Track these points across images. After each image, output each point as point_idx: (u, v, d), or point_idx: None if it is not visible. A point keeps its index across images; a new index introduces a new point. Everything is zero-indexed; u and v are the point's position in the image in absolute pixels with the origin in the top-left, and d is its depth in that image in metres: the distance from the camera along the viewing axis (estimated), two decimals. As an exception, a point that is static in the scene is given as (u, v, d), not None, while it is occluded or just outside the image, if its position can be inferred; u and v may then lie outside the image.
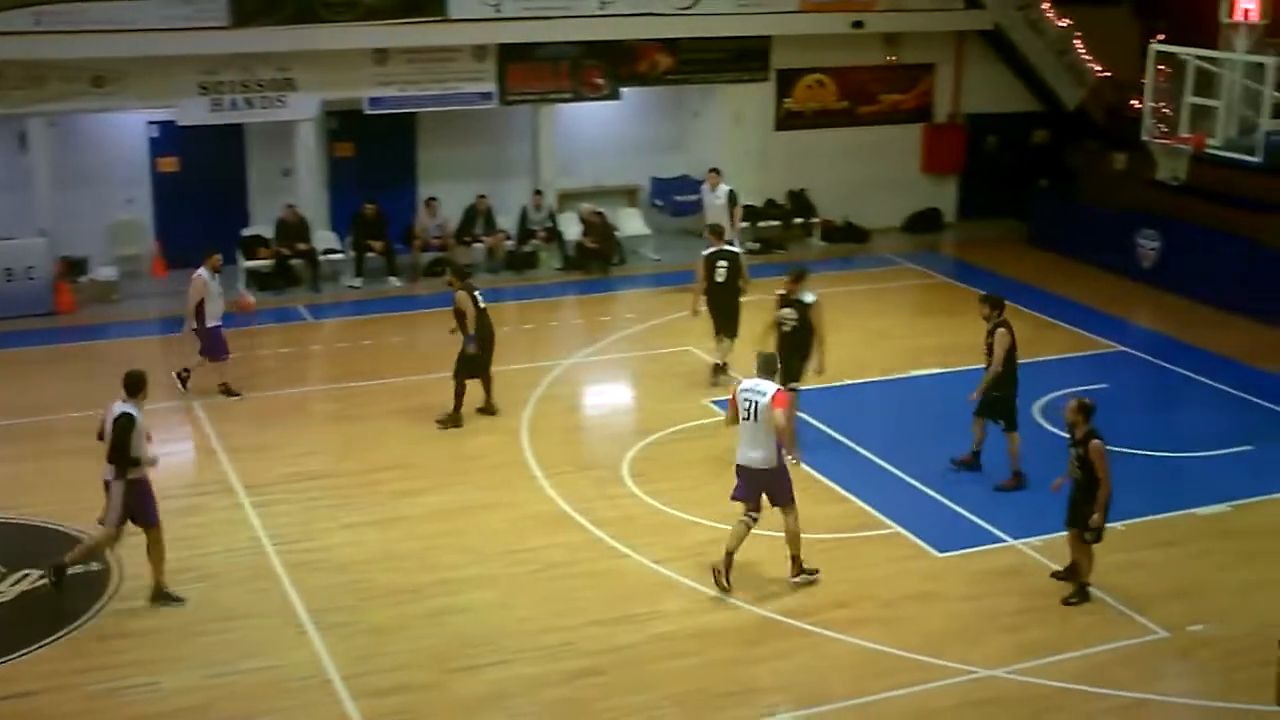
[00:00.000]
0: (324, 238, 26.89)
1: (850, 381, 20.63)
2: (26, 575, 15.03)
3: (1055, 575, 14.92)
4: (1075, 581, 14.64)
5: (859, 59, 30.04)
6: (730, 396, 14.92)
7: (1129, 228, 27.13)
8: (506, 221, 27.70)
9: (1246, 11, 20.85)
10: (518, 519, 16.61)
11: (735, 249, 21.55)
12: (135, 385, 14.47)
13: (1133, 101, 24.97)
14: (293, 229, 26.11)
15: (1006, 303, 17.63)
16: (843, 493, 17.03)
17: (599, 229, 27.52)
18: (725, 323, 20.79)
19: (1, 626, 14.17)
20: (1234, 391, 20.88)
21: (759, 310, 19.90)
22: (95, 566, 15.19)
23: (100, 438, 14.38)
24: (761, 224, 29.06)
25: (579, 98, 28.16)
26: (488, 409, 19.63)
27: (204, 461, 18.30)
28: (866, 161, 30.24)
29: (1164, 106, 21.88)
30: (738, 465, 14.81)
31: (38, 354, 22.70)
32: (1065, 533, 14.81)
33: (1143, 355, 22.58)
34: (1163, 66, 21.88)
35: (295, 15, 25.28)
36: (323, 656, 13.55)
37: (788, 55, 29.40)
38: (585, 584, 15.00)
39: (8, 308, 24.06)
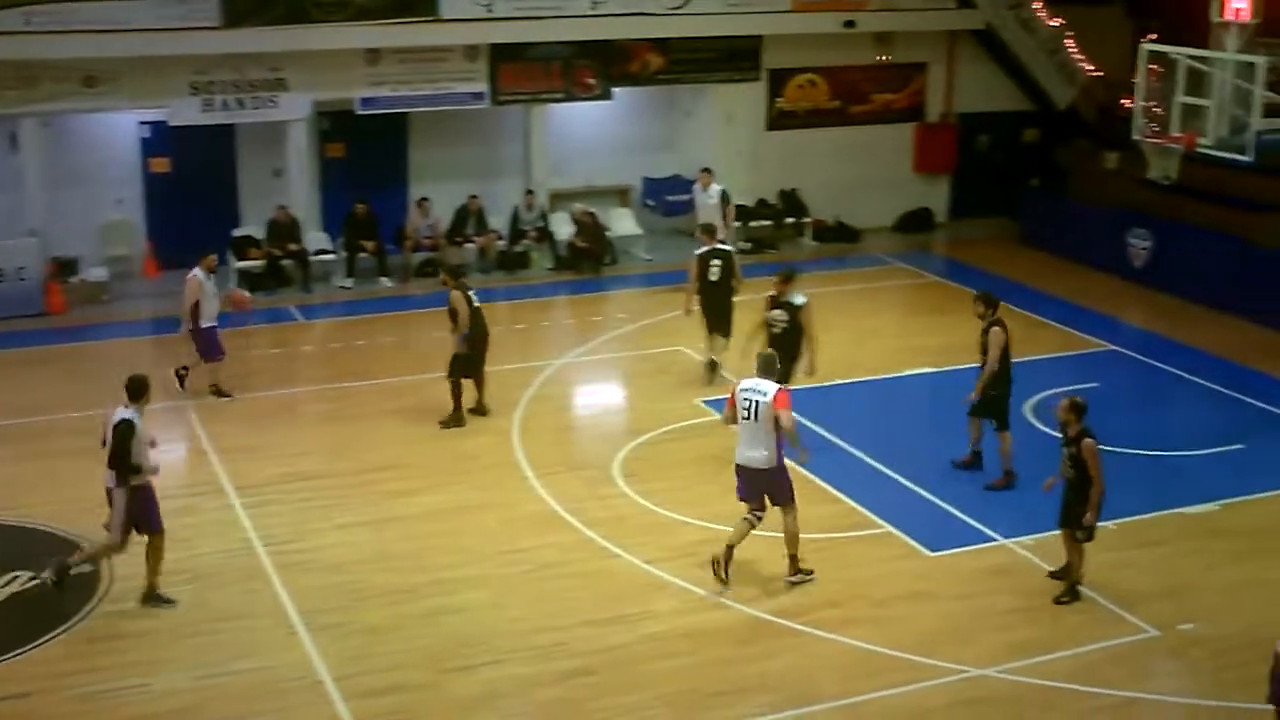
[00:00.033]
0: (315, 238, 26.87)
1: (842, 381, 20.63)
2: (16, 577, 15.01)
3: (1052, 575, 14.92)
4: (1067, 580, 14.65)
5: (850, 59, 30.05)
6: (729, 396, 14.92)
7: (1120, 227, 27.17)
8: (498, 222, 27.70)
9: (1237, 11, 20.85)
10: (510, 519, 16.61)
11: (728, 248, 21.57)
12: (137, 390, 14.38)
13: (1124, 101, 24.97)
14: (284, 229, 26.09)
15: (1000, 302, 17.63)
16: (834, 493, 17.04)
17: (591, 229, 27.52)
18: (718, 322, 20.82)
19: (-8, 628, 14.17)
20: (1225, 390, 20.92)
21: (750, 310, 19.92)
22: (86, 568, 15.18)
23: (104, 444, 14.30)
24: (753, 224, 29.07)
25: (571, 98, 28.15)
26: (479, 409, 19.62)
27: (195, 462, 18.28)
28: (858, 161, 30.25)
29: (1155, 106, 21.88)
30: (737, 465, 14.82)
31: (28, 355, 22.66)
32: (1057, 532, 14.83)
33: (1134, 354, 22.61)
34: (1154, 66, 21.87)
35: (287, 15, 25.24)
36: (314, 657, 13.55)
37: (779, 55, 29.41)
38: (577, 584, 15.01)
39: (-2, 308, 24.07)
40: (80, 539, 15.70)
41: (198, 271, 20.19)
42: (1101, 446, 14.17)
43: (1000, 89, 31.12)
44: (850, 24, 29.07)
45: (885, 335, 23.76)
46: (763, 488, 14.75)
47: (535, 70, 27.61)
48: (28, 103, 24.67)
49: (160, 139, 26.57)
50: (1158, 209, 26.41)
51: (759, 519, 14.84)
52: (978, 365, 17.34)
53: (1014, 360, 17.32)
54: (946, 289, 26.50)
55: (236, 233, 26.38)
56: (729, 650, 13.76)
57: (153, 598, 14.42)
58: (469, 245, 27.21)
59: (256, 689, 13.05)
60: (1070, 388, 18.00)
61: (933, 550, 15.78)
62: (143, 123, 26.53)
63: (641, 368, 22.02)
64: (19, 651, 13.65)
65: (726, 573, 14.76)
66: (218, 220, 26.33)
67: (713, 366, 20.87)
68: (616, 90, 28.42)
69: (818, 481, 17.28)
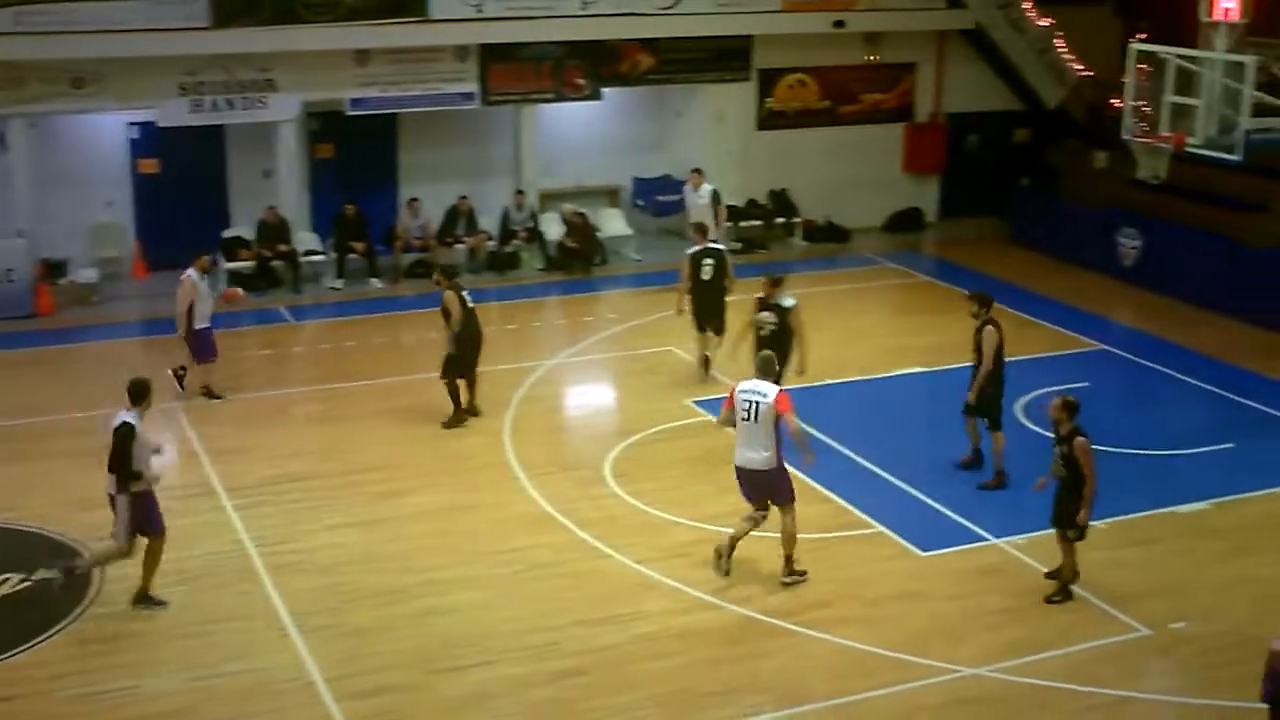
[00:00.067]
0: (305, 239, 26.83)
1: (832, 381, 20.64)
2: (7, 579, 14.98)
3: (1049, 575, 14.88)
4: (1059, 580, 14.67)
5: (840, 58, 30.07)
6: (726, 397, 14.95)
7: (1110, 226, 27.21)
8: (488, 222, 27.68)
9: (1226, 11, 20.85)
10: (501, 520, 16.60)
11: (721, 247, 21.64)
12: (139, 393, 14.28)
13: (1113, 100, 24.97)
14: (274, 230, 26.05)
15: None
16: (825, 492, 17.03)
17: (581, 229, 27.51)
18: (713, 319, 20.89)
19: (-19, 630, 14.13)
20: (1215, 389, 20.96)
21: (741, 310, 19.93)
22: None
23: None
24: (743, 224, 29.06)
25: (561, 98, 28.14)
26: (471, 410, 19.60)
27: (186, 464, 18.23)
28: (848, 161, 30.27)
29: (1144, 105, 21.88)
30: (737, 467, 14.85)
31: (17, 356, 22.59)
32: (1048, 532, 14.85)
33: (1124, 353, 22.64)
34: (1143, 65, 21.87)
35: (275, 16, 25.21)
36: (306, 659, 13.53)
37: (769, 55, 29.42)
38: (569, 584, 15.00)
39: (-13, 310, 24.03)
40: (70, 540, 15.72)
41: (191, 272, 20.13)
42: (1093, 445, 14.18)
43: (990, 89, 31.15)
44: (840, 24, 29.10)
45: (875, 335, 23.78)
46: (763, 489, 14.78)
47: (525, 70, 27.60)
48: (15, 104, 24.63)
49: (149, 140, 26.53)
50: (1147, 208, 26.46)
51: (763, 518, 14.91)
52: (970, 365, 17.35)
53: (1005, 360, 17.31)
54: (936, 289, 26.53)
55: (226, 234, 26.33)
56: (721, 650, 13.76)
57: (145, 599, 14.38)
58: (459, 246, 27.17)
59: (249, 690, 13.02)
60: (1061, 387, 18.03)
61: (924, 550, 15.79)
62: (131, 124, 26.48)
63: (632, 368, 22.02)
64: (10, 654, 13.61)
65: (729, 561, 14.87)
66: (207, 221, 26.31)
67: (706, 363, 20.90)
68: (606, 90, 28.43)
69: (809, 481, 17.25)
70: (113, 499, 14.16)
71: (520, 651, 13.65)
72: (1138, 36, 23.19)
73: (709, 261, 20.79)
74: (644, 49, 28.29)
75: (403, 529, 16.33)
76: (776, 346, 17.74)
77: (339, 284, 26.34)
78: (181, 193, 26.70)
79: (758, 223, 29.61)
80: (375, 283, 26.49)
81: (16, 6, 23.80)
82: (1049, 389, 18.83)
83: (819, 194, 30.08)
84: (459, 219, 27.30)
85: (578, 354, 22.77)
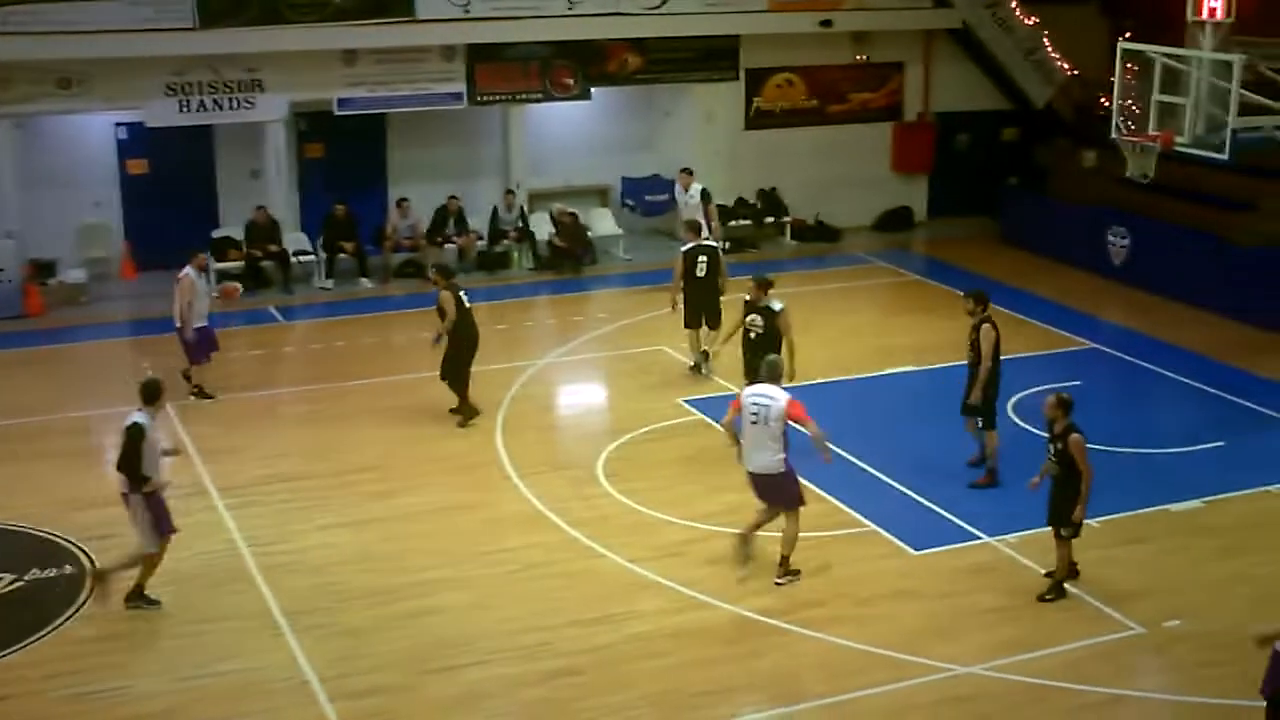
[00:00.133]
0: (294, 239, 26.82)
1: (823, 380, 20.63)
2: (-1, 579, 14.99)
3: (1048, 575, 14.88)
4: (1053, 578, 14.69)
5: (828, 58, 30.10)
6: (733, 400, 15.08)
7: (1099, 225, 27.25)
8: (478, 222, 27.66)
9: (1213, 10, 20.87)
10: (493, 520, 16.59)
11: (714, 244, 21.70)
12: (151, 394, 14.20)
13: (1101, 99, 25.03)
14: (263, 231, 26.02)
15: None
16: (818, 491, 16.99)
17: (570, 229, 27.50)
18: (709, 315, 20.99)
19: (-26, 631, 14.10)
20: (1205, 387, 20.98)
21: (733, 310, 19.93)
22: (69, 570, 15.14)
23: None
24: (733, 223, 29.06)
25: (549, 98, 28.13)
26: (462, 410, 19.58)
27: (178, 464, 18.03)
28: (837, 160, 30.29)
29: (1132, 104, 21.90)
30: (748, 472, 14.90)
31: (6, 357, 22.54)
32: (1040, 530, 14.87)
33: (1114, 352, 22.68)
34: (1130, 64, 21.90)
35: (262, 16, 25.17)
36: (299, 658, 13.50)
37: (757, 54, 29.44)
38: (561, 584, 14.99)
39: (-25, 311, 23.96)
40: (63, 539, 15.70)
41: (190, 270, 20.06)
42: (1088, 446, 14.20)
43: (978, 88, 31.21)
44: (827, 23, 29.13)
45: (865, 334, 23.80)
46: (771, 492, 14.85)
47: (513, 70, 27.59)
48: (2, 104, 24.59)
49: (137, 140, 26.49)
50: (1136, 207, 26.50)
51: (776, 514, 15.00)
52: (964, 364, 17.33)
53: (1000, 358, 17.31)
54: (926, 288, 26.57)
55: (215, 234, 26.28)
56: (714, 649, 13.75)
57: (140, 597, 14.32)
58: (449, 246, 27.16)
59: (242, 690, 13.00)
60: (1052, 386, 17.98)
61: (917, 549, 15.79)
62: (119, 124, 26.45)
63: (623, 367, 22.01)
64: (3, 654, 13.58)
65: (750, 549, 14.89)
66: (196, 222, 26.23)
67: (706, 358, 20.91)
68: (595, 90, 28.43)
69: (801, 480, 17.25)
70: (126, 498, 14.09)
71: (513, 651, 13.63)
72: (1124, 35, 23.19)
73: (703, 259, 20.87)
74: (632, 49, 28.29)
75: (395, 529, 16.31)
76: (764, 350, 17.76)
77: (329, 284, 26.32)
78: (170, 193, 26.66)
79: (747, 222, 29.62)
80: (365, 283, 26.47)
81: (2, 7, 23.71)
82: (1040, 388, 18.88)
83: (808, 193, 30.12)
84: (448, 219, 27.28)
85: (568, 354, 22.77)
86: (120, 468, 13.96)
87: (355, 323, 24.34)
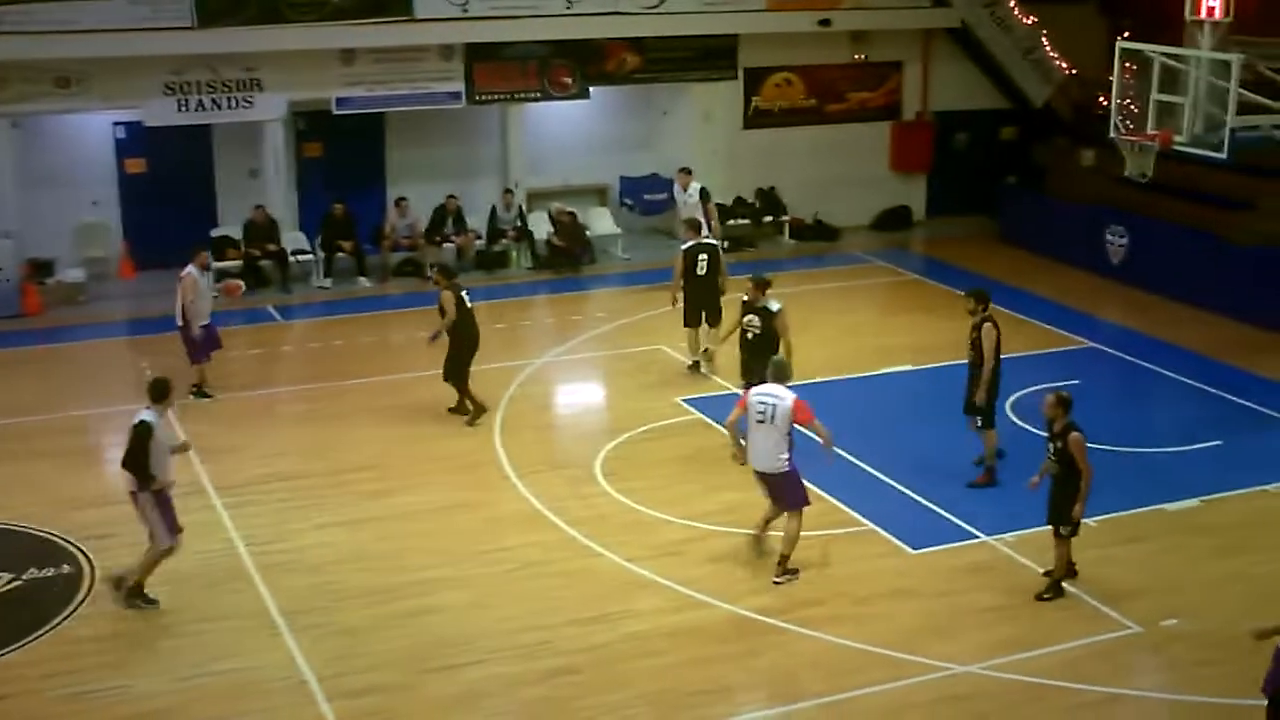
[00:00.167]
0: (293, 238, 26.81)
1: (822, 379, 20.63)
2: (-3, 579, 14.99)
3: (1048, 573, 14.89)
4: (1051, 577, 14.69)
5: (827, 57, 30.10)
6: (739, 399, 15.18)
7: (1097, 224, 27.25)
8: (476, 221, 27.65)
9: (1211, 9, 20.88)
10: (491, 519, 16.59)
11: (714, 243, 21.72)
12: (160, 392, 14.20)
13: (1099, 98, 25.05)
14: (261, 230, 26.02)
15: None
16: (816, 491, 16.97)
17: (569, 228, 27.50)
18: (710, 313, 21.02)
19: (-29, 631, 14.09)
20: (1203, 386, 20.98)
21: (729, 309, 19.95)
22: (66, 569, 15.14)
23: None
24: (731, 222, 29.05)
25: (547, 97, 28.13)
26: (459, 409, 19.59)
27: (176, 463, 18.15)
28: (835, 159, 30.30)
29: (1131, 103, 21.91)
30: (755, 471, 15.01)
31: (4, 356, 22.53)
32: (1038, 529, 14.88)
33: (1112, 351, 22.68)
34: (1129, 63, 21.90)
35: (261, 15, 25.17)
36: (296, 658, 13.50)
37: (755, 54, 29.44)
38: (560, 583, 14.99)
39: (-26, 310, 23.95)
40: (59, 539, 15.71)
41: (192, 269, 20.05)
42: (1087, 445, 14.21)
43: (976, 87, 31.20)
44: (826, 23, 29.13)
45: (864, 333, 23.80)
46: (776, 491, 14.95)
47: (511, 69, 27.59)
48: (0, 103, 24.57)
49: (135, 139, 26.47)
50: (1134, 206, 26.50)
51: (782, 513, 15.13)
52: (964, 363, 17.33)
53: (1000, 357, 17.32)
54: (925, 287, 26.57)
55: (214, 233, 26.24)
56: (712, 648, 13.75)
57: (139, 595, 14.30)
58: (447, 245, 27.16)
59: (240, 689, 13.00)
60: (1050, 385, 17.98)
61: (915, 548, 15.80)
62: (117, 123, 26.43)
63: (621, 366, 22.01)
64: (1, 653, 13.57)
65: (762, 548, 15.15)
66: (194, 221, 26.19)
67: (707, 355, 20.90)
68: (593, 89, 28.42)
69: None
70: (134, 497, 14.08)
71: (511, 650, 13.64)
72: (1123, 35, 23.20)
73: (703, 257, 20.89)
74: (630, 48, 28.29)
75: (393, 528, 16.31)
76: (762, 350, 17.78)
77: (327, 283, 26.33)
78: (168, 192, 26.64)
79: (745, 221, 29.62)
80: (363, 282, 26.48)
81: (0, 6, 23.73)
82: (1038, 387, 18.91)
83: (807, 192, 30.12)
84: (447, 218, 27.27)
85: (567, 353, 22.77)
86: (126, 465, 13.95)
87: (353, 322, 24.34)
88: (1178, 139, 21.08)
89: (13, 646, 13.69)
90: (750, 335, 18.17)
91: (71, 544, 15.70)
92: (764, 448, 14.79)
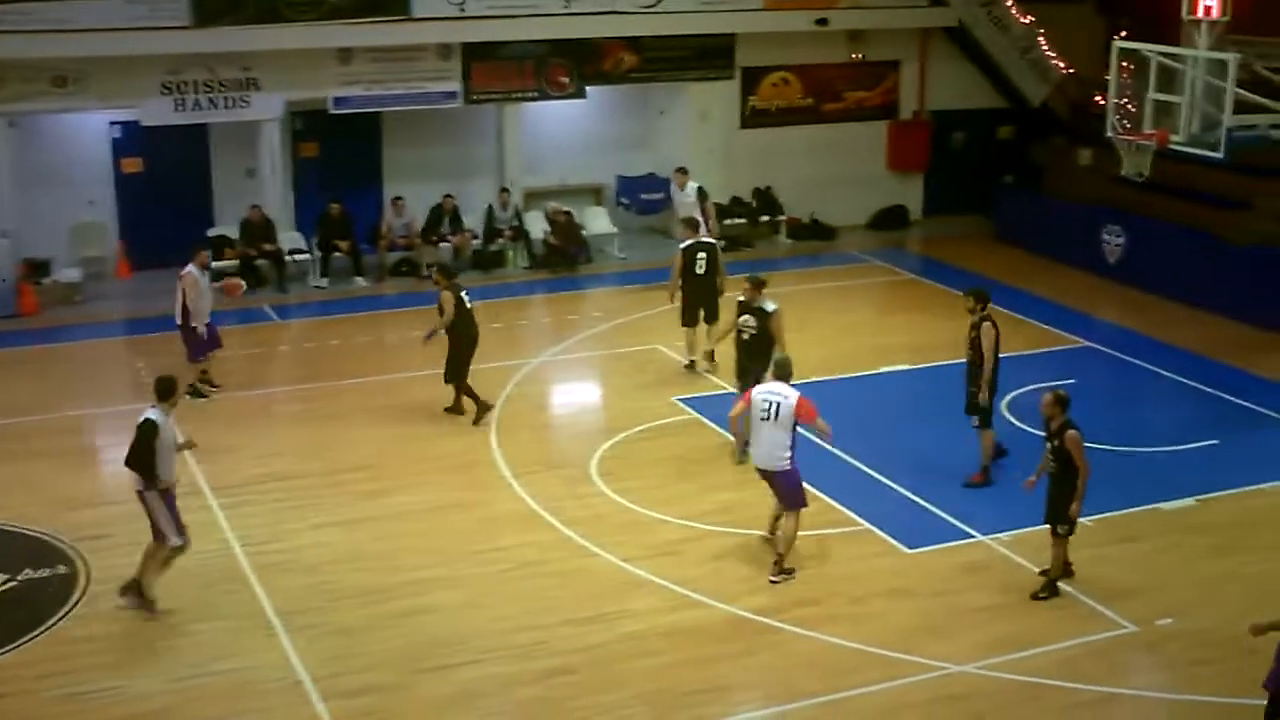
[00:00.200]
0: (289, 238, 26.77)
1: (818, 379, 20.61)
2: (-9, 579, 14.98)
3: (1044, 572, 14.87)
4: (1048, 576, 14.69)
5: (824, 56, 30.08)
6: (744, 394, 15.32)
7: (1094, 223, 27.25)
8: (473, 221, 27.64)
9: (1208, 9, 20.90)
10: (487, 518, 16.59)
11: (712, 242, 21.72)
12: (166, 391, 14.18)
13: (1097, 98, 25.06)
14: (258, 229, 25.99)
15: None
16: (812, 490, 16.98)
17: (565, 227, 27.49)
18: (708, 312, 21.02)
19: (-34, 631, 14.08)
20: (1199, 386, 20.99)
21: (726, 309, 19.94)
22: (62, 570, 15.12)
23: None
24: (728, 221, 29.02)
25: (544, 96, 28.11)
26: (455, 409, 19.59)
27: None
28: (832, 159, 30.30)
29: (1128, 103, 21.93)
30: (757, 468, 15.13)
31: (0, 356, 22.49)
32: (1033, 529, 14.89)
33: (1109, 350, 22.68)
34: (1125, 63, 21.92)
35: (258, 15, 25.13)
36: (292, 658, 13.50)
37: (752, 53, 29.42)
38: (555, 583, 14.99)
39: (-29, 310, 23.93)
40: (54, 539, 15.70)
41: (192, 268, 20.04)
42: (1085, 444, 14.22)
43: (974, 86, 31.19)
44: (823, 22, 29.11)
45: (860, 333, 23.79)
46: (776, 488, 15.02)
47: (508, 69, 27.56)
48: (-3, 102, 24.59)
49: (132, 139, 26.44)
50: (1131, 205, 26.50)
51: None
52: (962, 362, 17.33)
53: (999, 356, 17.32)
54: (921, 286, 26.57)
55: (210, 233, 26.20)
56: (708, 648, 13.75)
57: (135, 592, 14.26)
58: (444, 244, 27.14)
59: (236, 690, 13.00)
60: (1046, 384, 17.99)
61: (911, 547, 15.81)
62: (114, 123, 26.39)
63: (617, 366, 22.01)
64: (-3, 653, 13.61)
65: (776, 539, 15.29)
66: (191, 220, 26.18)
67: (710, 357, 20.88)
68: (590, 89, 28.40)
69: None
70: (141, 496, 14.06)
71: (507, 650, 13.64)
72: (1119, 34, 23.22)
73: (702, 255, 20.89)
74: (627, 47, 28.28)
75: (389, 528, 16.31)
76: (757, 351, 17.81)
77: (323, 283, 26.31)
78: (165, 192, 26.61)
79: (742, 220, 29.61)
80: (360, 281, 26.46)
81: (-3, 6, 23.73)
82: (1035, 386, 18.91)
83: (803, 192, 30.11)
84: (443, 217, 27.25)
85: (563, 352, 22.76)
86: (129, 464, 13.93)
87: (350, 321, 24.32)
88: (1175, 138, 21.10)
89: (8, 647, 13.68)
90: (746, 336, 18.15)
91: (67, 544, 15.68)
92: (766, 445, 14.88)
